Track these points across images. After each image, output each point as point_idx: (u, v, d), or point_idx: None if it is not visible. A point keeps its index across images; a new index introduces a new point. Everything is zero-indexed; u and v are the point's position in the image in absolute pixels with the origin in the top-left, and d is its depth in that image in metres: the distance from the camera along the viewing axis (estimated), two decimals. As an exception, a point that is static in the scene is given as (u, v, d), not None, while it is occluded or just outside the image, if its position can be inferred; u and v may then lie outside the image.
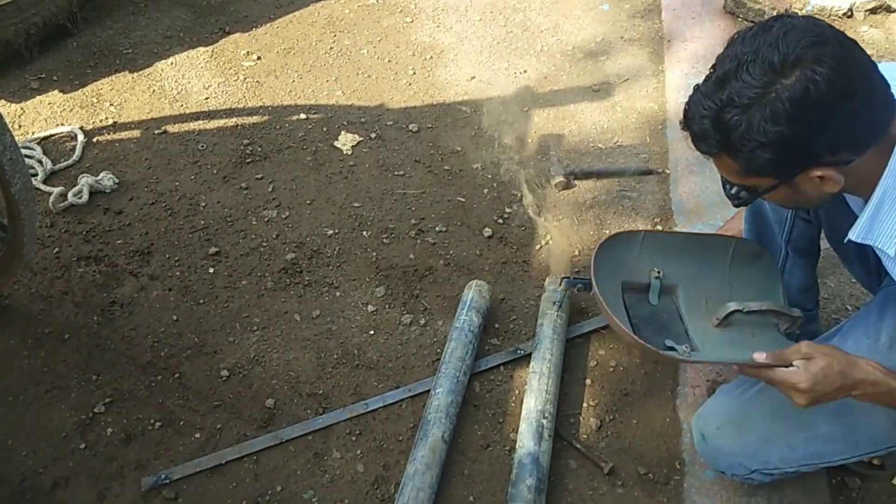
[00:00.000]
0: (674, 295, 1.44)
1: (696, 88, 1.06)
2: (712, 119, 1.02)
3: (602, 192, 2.27)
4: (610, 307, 1.35)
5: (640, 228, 1.74)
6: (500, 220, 2.18)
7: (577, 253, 2.08)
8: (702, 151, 1.08)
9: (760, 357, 1.15)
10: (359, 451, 1.65)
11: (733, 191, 1.13)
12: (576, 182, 2.30)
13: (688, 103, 1.07)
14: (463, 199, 2.25)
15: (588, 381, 1.79)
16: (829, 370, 1.10)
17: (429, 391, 1.69)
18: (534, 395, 1.66)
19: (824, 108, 0.95)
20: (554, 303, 1.81)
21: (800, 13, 2.81)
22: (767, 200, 1.16)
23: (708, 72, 1.06)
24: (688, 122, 1.07)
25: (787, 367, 1.14)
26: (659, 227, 2.17)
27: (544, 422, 1.61)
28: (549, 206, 2.22)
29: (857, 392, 1.12)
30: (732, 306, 1.36)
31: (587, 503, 1.56)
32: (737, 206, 1.15)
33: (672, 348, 1.37)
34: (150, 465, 1.61)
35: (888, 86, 1.02)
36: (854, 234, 1.09)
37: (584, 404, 1.74)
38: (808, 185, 1.05)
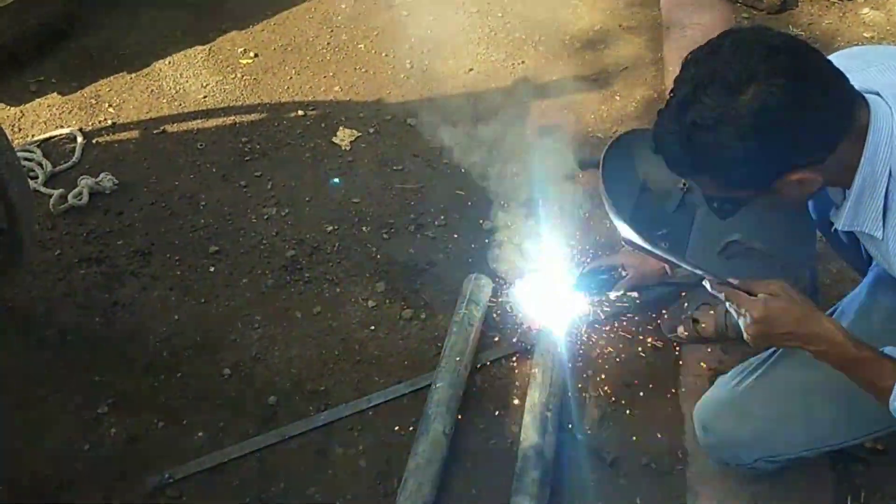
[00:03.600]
0: (693, 215, 1.39)
1: (660, 114, 1.08)
2: (681, 144, 1.04)
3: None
4: (611, 192, 1.28)
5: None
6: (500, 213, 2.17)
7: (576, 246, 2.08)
8: (678, 174, 1.12)
9: (733, 280, 1.18)
10: (361, 447, 1.65)
11: (716, 204, 1.15)
12: (577, 174, 2.28)
13: (654, 130, 1.09)
14: (462, 192, 2.24)
15: (590, 373, 1.78)
16: (786, 313, 1.12)
17: (430, 385, 1.69)
18: (538, 387, 1.66)
19: (787, 116, 0.98)
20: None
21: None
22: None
23: (668, 96, 1.08)
24: (658, 148, 1.09)
25: (752, 295, 1.16)
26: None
27: (548, 414, 1.61)
28: (549, 198, 2.21)
29: (813, 348, 1.13)
30: (735, 236, 1.32)
31: (591, 495, 1.56)
32: (723, 218, 1.16)
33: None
34: (154, 465, 1.62)
35: (845, 78, 1.04)
36: (840, 223, 1.11)
37: (587, 395, 1.74)
38: (787, 189, 1.07)
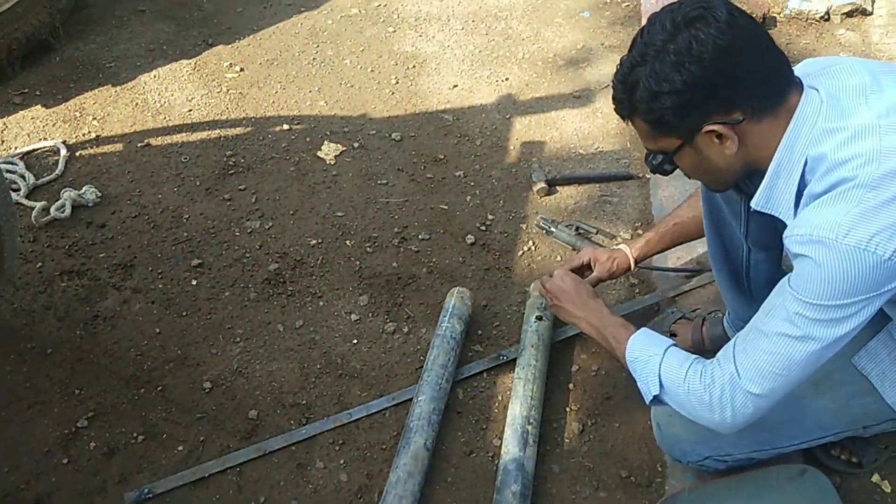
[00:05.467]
0: None
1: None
2: (621, 81, 1.13)
3: (584, 198, 2.29)
4: None
5: (678, 492, 1.71)
6: (483, 227, 2.19)
7: (559, 258, 2.10)
8: (620, 116, 1.19)
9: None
10: (342, 461, 1.65)
11: (650, 158, 1.22)
12: (557, 188, 2.31)
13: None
14: (445, 207, 2.26)
15: (571, 386, 1.80)
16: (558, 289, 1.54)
17: (412, 399, 1.69)
18: (519, 400, 1.67)
19: (707, 62, 1.04)
20: (537, 308, 1.83)
21: (777, 17, 2.87)
22: (683, 170, 1.23)
23: None
24: (612, 96, 1.18)
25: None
26: (639, 233, 2.19)
27: (529, 427, 1.62)
28: (531, 212, 2.23)
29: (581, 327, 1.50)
30: None
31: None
32: (653, 171, 1.24)
33: None
34: (133, 479, 1.61)
35: (786, 62, 1.10)
36: (755, 203, 1.17)
37: (567, 409, 1.75)
38: (709, 146, 1.13)
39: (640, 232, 2.20)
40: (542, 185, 2.28)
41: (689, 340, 1.77)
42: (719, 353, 1.21)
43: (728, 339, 1.70)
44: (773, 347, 1.10)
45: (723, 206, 1.43)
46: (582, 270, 1.75)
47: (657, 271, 2.05)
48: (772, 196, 1.14)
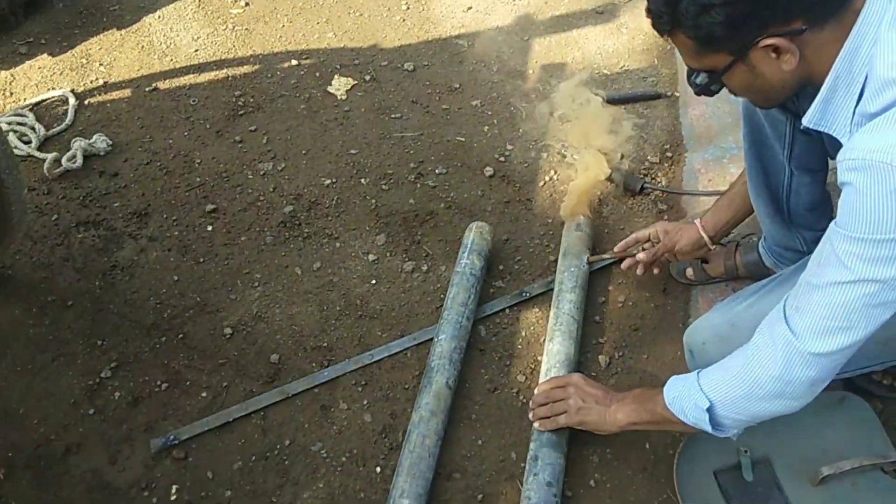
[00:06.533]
0: (767, 464, 1.38)
1: None
2: None
3: (608, 121, 2.16)
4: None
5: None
6: (502, 158, 2.10)
7: (581, 188, 2.00)
8: (658, 31, 1.05)
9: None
10: (365, 402, 1.63)
11: (694, 77, 1.10)
12: (581, 113, 2.19)
13: None
14: (462, 139, 2.17)
15: (597, 319, 1.74)
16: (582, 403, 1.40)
17: (433, 339, 1.66)
18: (561, 337, 1.61)
19: None
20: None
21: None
22: (730, 89, 1.10)
23: None
24: (647, 4, 1.04)
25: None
26: (668, 155, 2.08)
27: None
28: (552, 139, 2.13)
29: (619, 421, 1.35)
30: (825, 471, 1.32)
31: (601, 436, 1.53)
32: (699, 93, 1.11)
33: None
34: (158, 427, 1.62)
35: None
36: (807, 120, 1.03)
37: (594, 342, 1.70)
38: (764, 62, 1.00)
39: (668, 154, 2.09)
40: (564, 110, 2.17)
41: (721, 268, 1.69)
42: (763, 322, 1.09)
43: (763, 265, 1.63)
44: (827, 299, 0.97)
45: (766, 126, 1.31)
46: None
47: (687, 195, 1.95)
48: (827, 111, 1.00)
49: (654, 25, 1.05)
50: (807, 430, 1.42)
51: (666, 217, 1.92)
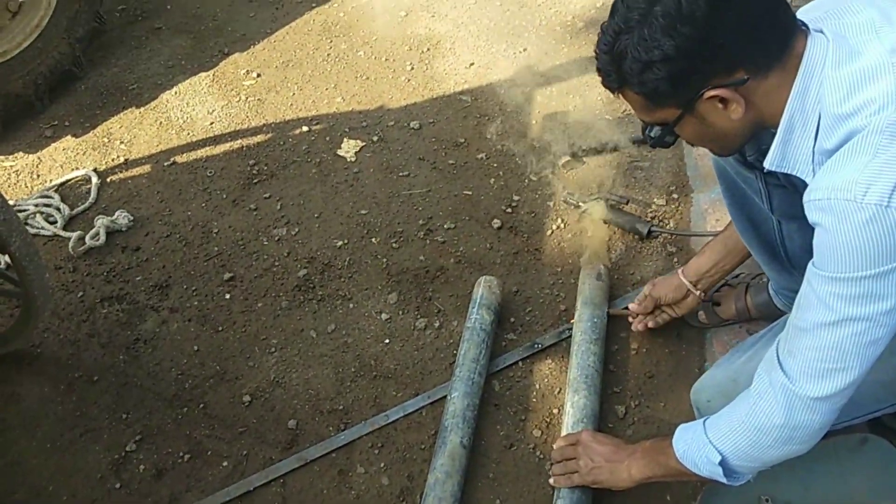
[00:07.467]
0: None
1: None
2: (606, 51, 1.03)
3: (612, 167, 2.19)
4: None
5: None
6: (509, 210, 2.13)
7: (590, 234, 2.02)
8: (609, 88, 1.08)
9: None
10: (382, 464, 1.64)
11: (648, 130, 1.12)
12: (584, 160, 2.22)
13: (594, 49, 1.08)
14: (469, 192, 2.20)
15: (611, 367, 1.73)
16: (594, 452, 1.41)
17: (446, 396, 1.67)
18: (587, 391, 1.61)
19: (700, 20, 0.94)
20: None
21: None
22: (685, 139, 1.12)
23: None
24: (597, 66, 1.07)
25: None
26: (675, 196, 2.08)
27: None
28: (558, 188, 2.15)
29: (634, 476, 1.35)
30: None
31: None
32: (653, 146, 1.13)
33: None
34: (182, 498, 1.64)
35: (786, 5, 0.98)
36: (769, 163, 1.04)
37: (610, 391, 1.69)
38: (712, 112, 1.02)
39: (675, 196, 2.10)
40: (568, 157, 2.20)
41: (732, 310, 1.68)
42: (761, 366, 1.10)
43: (774, 307, 1.61)
44: (817, 342, 0.98)
45: (741, 184, 1.33)
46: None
47: (695, 237, 1.95)
48: (787, 153, 1.02)
49: (603, 83, 1.08)
50: (829, 475, 1.39)
51: (675, 260, 1.92)
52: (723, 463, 1.14)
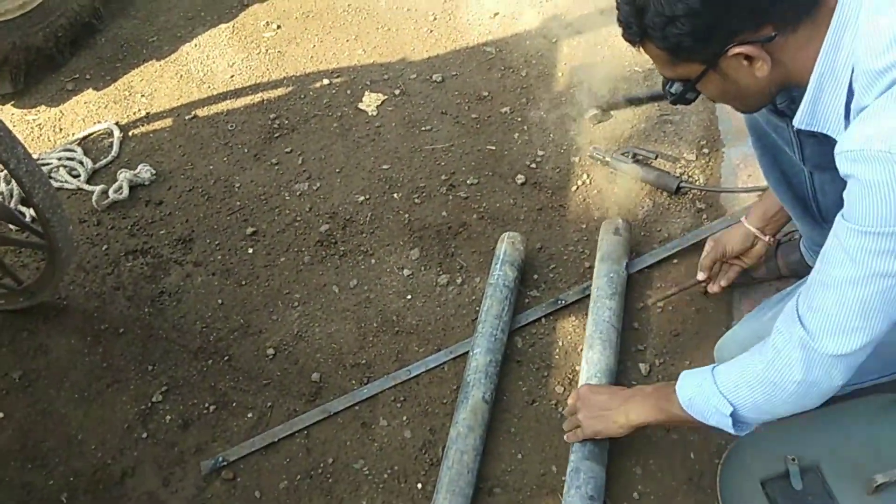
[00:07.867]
0: (817, 472, 1.33)
1: None
2: (629, 2, 0.98)
3: (641, 120, 2.13)
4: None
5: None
6: (533, 165, 2.09)
7: (616, 190, 1.97)
8: (629, 41, 1.03)
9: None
10: (405, 418, 1.65)
11: (669, 86, 1.07)
12: (612, 113, 2.16)
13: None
14: (493, 147, 2.16)
15: (635, 325, 1.71)
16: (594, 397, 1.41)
17: (468, 352, 1.66)
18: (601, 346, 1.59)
19: None
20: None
21: None
22: (706, 95, 1.08)
23: None
24: (618, 17, 1.03)
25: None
26: (705, 151, 2.02)
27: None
28: (584, 143, 2.10)
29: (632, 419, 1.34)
30: (879, 479, 1.25)
31: (644, 446, 1.50)
32: (674, 103, 1.09)
33: None
34: (208, 449, 1.67)
35: None
36: (798, 121, 1.00)
37: (633, 349, 1.67)
38: (736, 69, 0.98)
39: (705, 150, 2.04)
40: (595, 111, 2.14)
41: (763, 269, 1.63)
42: (779, 320, 1.07)
43: (806, 265, 1.57)
44: (841, 298, 0.94)
45: (771, 133, 1.27)
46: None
47: (726, 192, 1.90)
48: (816, 111, 0.97)
49: (624, 36, 1.03)
50: (859, 435, 1.36)
51: (704, 216, 1.88)
52: (733, 414, 1.13)
